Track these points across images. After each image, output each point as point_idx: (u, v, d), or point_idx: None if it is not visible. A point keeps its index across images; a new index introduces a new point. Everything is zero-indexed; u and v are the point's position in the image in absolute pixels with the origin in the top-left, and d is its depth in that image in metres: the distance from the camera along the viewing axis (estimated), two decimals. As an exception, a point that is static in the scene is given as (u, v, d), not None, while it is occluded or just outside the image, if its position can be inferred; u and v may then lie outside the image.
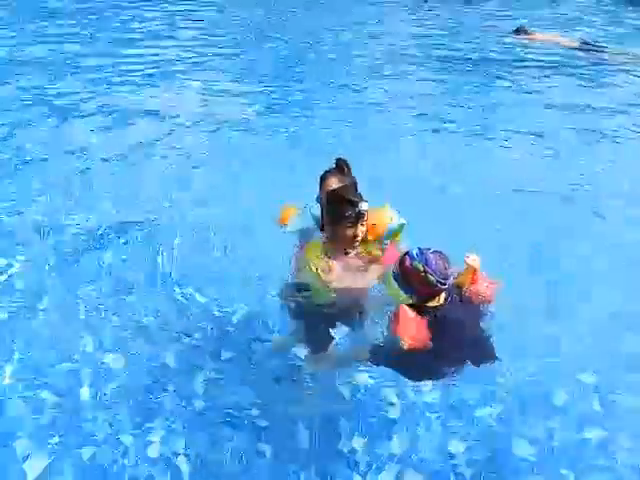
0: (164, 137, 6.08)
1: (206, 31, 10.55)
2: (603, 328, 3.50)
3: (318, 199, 3.20)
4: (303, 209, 3.24)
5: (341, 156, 3.18)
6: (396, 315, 2.60)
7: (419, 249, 2.60)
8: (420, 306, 2.66)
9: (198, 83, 7.71)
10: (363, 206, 2.76)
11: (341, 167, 3.18)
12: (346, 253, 2.92)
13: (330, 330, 2.96)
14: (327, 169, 3.20)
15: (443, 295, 2.67)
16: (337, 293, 2.86)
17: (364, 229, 2.86)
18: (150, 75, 7.95)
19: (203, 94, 7.41)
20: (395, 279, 2.67)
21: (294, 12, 12.33)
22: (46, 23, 10.20)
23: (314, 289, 2.86)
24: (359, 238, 2.85)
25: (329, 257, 2.88)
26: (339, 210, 2.77)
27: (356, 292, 2.92)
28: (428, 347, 2.58)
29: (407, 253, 2.62)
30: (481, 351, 2.77)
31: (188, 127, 6.38)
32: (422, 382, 3.02)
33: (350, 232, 2.80)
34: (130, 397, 3.03)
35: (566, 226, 4.48)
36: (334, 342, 2.96)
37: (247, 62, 9.03)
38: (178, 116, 6.63)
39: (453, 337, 2.65)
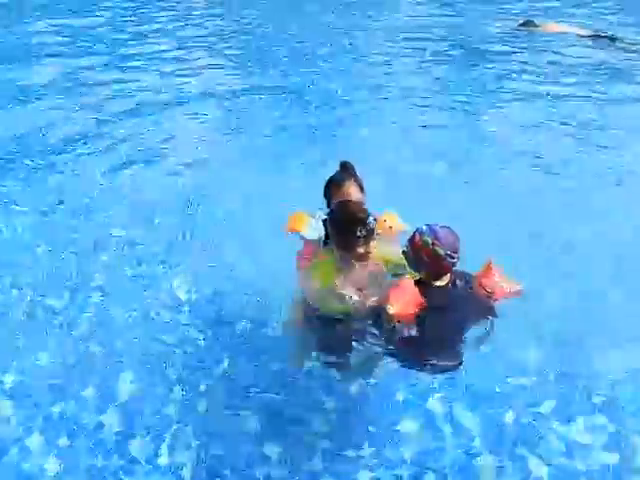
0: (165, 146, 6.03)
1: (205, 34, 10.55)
2: (604, 328, 3.45)
3: (328, 206, 3.19)
4: (315, 216, 3.20)
5: (346, 159, 3.21)
6: (398, 283, 2.67)
7: (428, 225, 2.67)
8: (427, 282, 2.71)
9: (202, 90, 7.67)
10: (372, 223, 2.74)
11: (347, 169, 3.18)
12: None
13: (347, 340, 2.96)
14: (333, 174, 3.19)
15: (449, 276, 2.72)
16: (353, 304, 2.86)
17: (374, 244, 2.84)
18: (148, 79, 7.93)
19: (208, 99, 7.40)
20: (406, 256, 2.74)
21: (294, 11, 12.30)
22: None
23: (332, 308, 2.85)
24: (371, 254, 2.82)
25: (343, 273, 2.84)
26: (350, 230, 2.72)
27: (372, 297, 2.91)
28: (411, 322, 2.64)
29: (417, 229, 2.69)
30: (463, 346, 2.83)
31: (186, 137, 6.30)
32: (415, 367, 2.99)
33: (362, 250, 2.77)
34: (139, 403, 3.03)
35: (568, 225, 4.41)
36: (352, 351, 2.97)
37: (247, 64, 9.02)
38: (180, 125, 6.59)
39: (444, 319, 2.72)
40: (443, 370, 2.92)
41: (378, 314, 2.81)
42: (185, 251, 4.22)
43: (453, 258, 2.63)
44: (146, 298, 3.75)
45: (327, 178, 3.19)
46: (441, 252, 2.60)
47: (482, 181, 5.12)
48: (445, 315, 2.73)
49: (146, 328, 3.50)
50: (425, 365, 2.89)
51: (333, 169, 3.24)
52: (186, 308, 3.66)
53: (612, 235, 4.23)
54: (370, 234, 2.74)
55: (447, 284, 2.75)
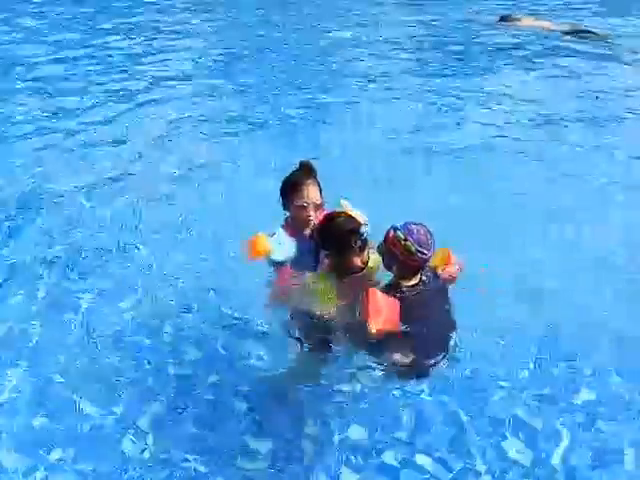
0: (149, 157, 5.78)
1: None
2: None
3: (285, 207, 3.08)
4: (274, 235, 3.01)
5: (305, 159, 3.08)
6: (365, 298, 2.60)
7: (404, 222, 2.68)
8: (396, 284, 2.71)
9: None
10: (364, 230, 2.65)
11: (307, 169, 3.06)
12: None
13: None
14: (291, 173, 3.07)
15: (419, 275, 2.74)
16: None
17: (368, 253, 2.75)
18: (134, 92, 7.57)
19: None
20: (380, 252, 2.74)
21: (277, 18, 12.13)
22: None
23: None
24: (368, 263, 2.75)
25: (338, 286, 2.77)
26: (344, 242, 2.64)
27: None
28: (396, 330, 2.60)
29: (392, 226, 2.69)
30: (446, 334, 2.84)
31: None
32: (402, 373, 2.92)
33: (357, 260, 2.69)
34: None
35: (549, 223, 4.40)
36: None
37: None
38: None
39: (424, 318, 2.72)
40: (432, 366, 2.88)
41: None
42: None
43: (425, 255, 2.63)
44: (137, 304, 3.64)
45: (285, 177, 3.05)
46: (412, 248, 2.60)
47: (463, 176, 5.10)
48: (422, 314, 2.72)
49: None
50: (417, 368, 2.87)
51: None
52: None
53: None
54: (365, 243, 2.66)
55: (418, 283, 2.74)
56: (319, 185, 3.03)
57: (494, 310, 3.28)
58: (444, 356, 2.82)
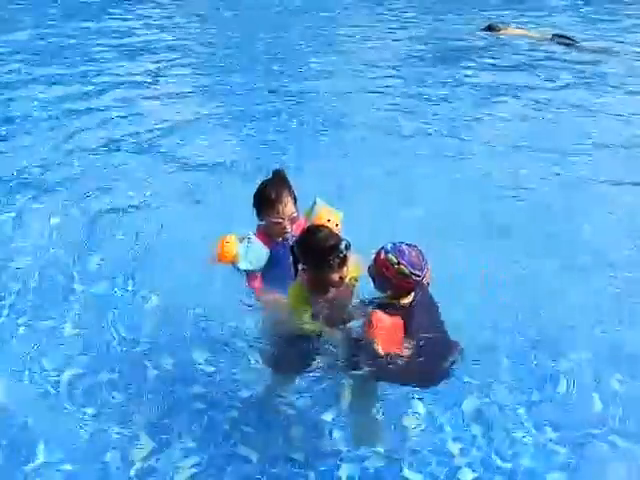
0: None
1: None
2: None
3: (258, 217, 3.06)
4: (245, 239, 2.98)
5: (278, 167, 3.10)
6: (370, 321, 2.56)
7: (393, 243, 2.62)
8: (395, 303, 2.66)
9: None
10: (343, 246, 2.59)
11: (280, 179, 3.05)
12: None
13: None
14: (265, 183, 3.06)
15: (413, 293, 2.69)
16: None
17: (347, 269, 2.70)
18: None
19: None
20: (371, 275, 2.68)
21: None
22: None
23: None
24: (345, 280, 2.70)
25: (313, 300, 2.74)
26: (322, 258, 2.59)
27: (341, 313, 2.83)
28: (401, 349, 2.57)
29: (382, 248, 2.64)
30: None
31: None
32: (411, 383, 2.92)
33: (336, 277, 2.64)
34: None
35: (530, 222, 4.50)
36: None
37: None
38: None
39: (425, 330, 2.68)
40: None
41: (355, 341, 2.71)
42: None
43: (418, 277, 2.59)
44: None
45: (258, 188, 3.03)
46: (406, 271, 2.55)
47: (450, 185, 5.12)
48: (424, 329, 2.69)
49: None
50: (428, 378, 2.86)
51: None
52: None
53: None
54: (344, 260, 2.61)
55: (413, 300, 2.71)
56: (293, 195, 3.01)
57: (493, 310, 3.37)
58: (452, 362, 2.79)
